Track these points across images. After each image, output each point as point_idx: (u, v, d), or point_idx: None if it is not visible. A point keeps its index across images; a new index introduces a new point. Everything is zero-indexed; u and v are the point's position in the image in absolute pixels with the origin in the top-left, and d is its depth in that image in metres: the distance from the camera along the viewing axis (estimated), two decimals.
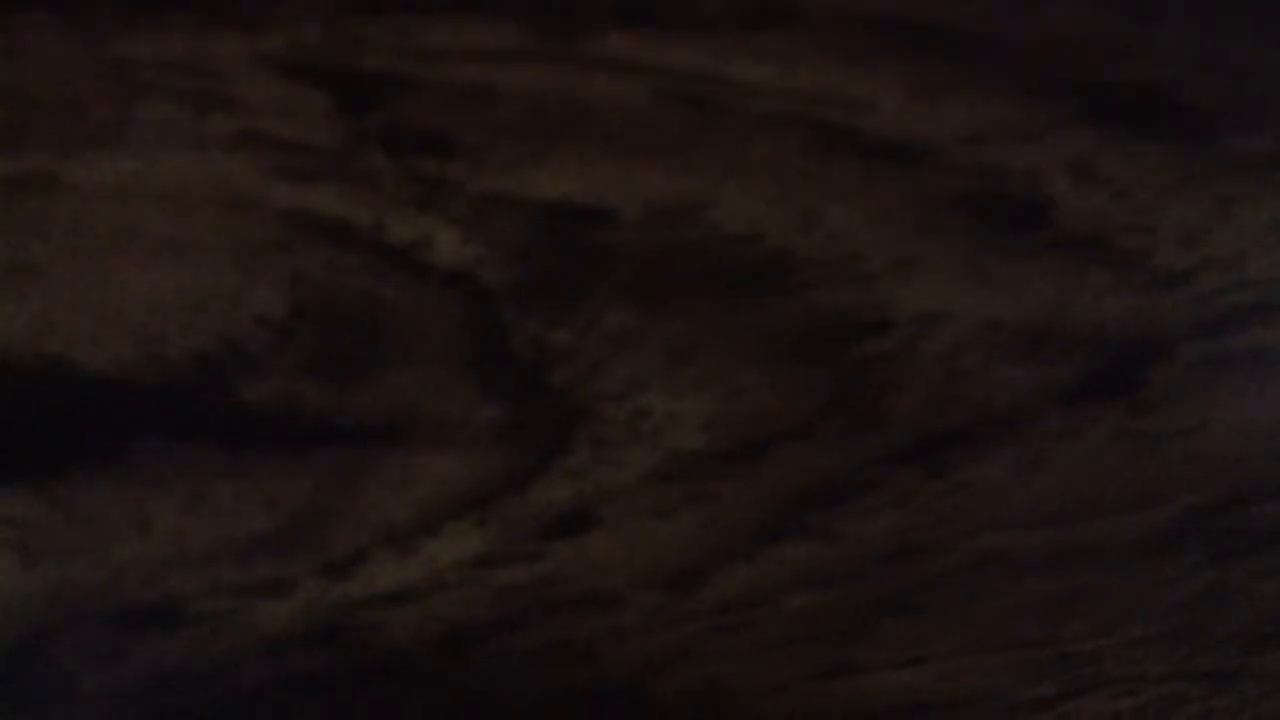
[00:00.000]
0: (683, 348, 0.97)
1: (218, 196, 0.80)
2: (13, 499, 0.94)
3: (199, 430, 0.92)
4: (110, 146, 0.76)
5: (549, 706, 1.28)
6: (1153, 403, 1.14)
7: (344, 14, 0.73)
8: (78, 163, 0.76)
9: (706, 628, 1.23)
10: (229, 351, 0.88)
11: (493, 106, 0.79)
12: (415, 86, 0.77)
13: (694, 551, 1.15)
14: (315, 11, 0.72)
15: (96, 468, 0.94)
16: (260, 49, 0.73)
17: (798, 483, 1.11)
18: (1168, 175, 0.97)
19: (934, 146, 0.89)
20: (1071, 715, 1.52)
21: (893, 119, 0.87)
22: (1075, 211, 0.97)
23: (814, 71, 0.83)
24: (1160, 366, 1.11)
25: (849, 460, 1.10)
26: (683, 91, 0.82)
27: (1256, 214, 1.02)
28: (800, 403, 1.03)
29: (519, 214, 0.85)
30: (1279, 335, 1.10)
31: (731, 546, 1.15)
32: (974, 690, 1.42)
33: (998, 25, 0.85)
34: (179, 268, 0.83)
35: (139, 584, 1.03)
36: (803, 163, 0.88)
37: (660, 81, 0.81)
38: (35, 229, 0.79)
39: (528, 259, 0.88)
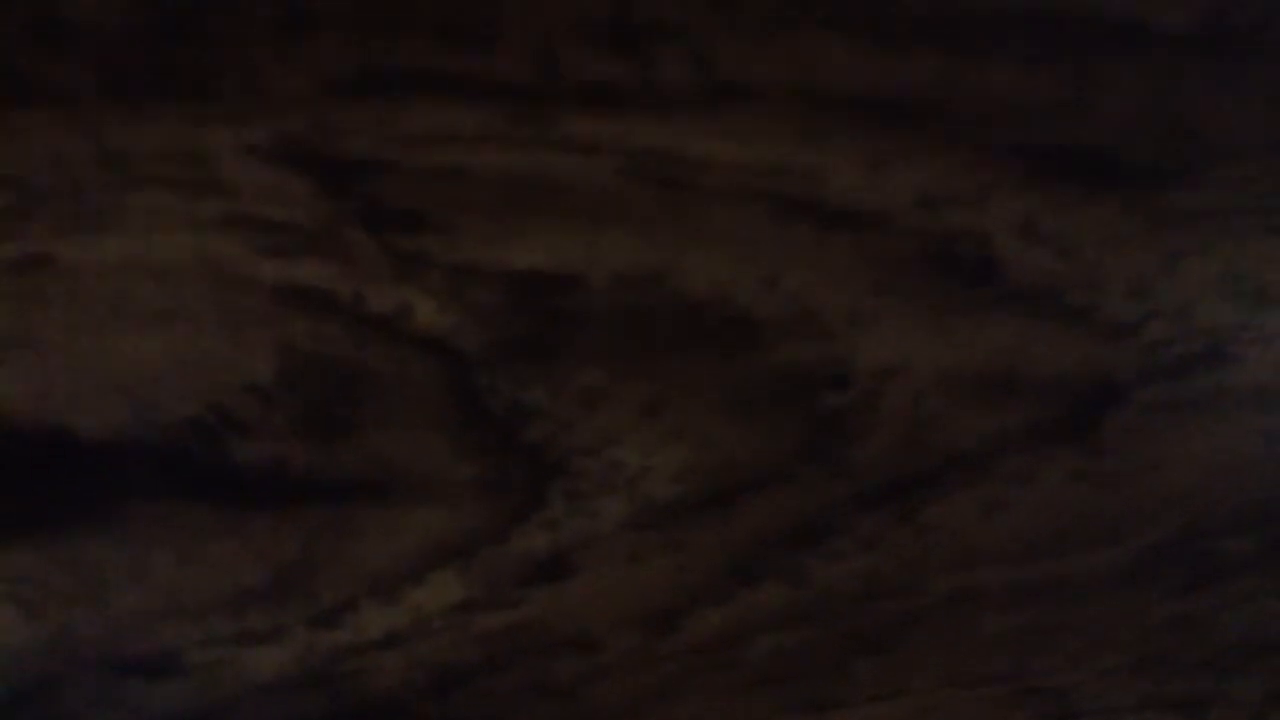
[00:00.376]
0: (653, 403, 1.01)
1: (208, 272, 0.84)
2: (16, 556, 0.98)
3: (193, 490, 0.97)
4: (106, 228, 0.81)
5: None
6: (1108, 445, 1.18)
7: (325, 104, 0.77)
8: (75, 244, 0.81)
9: (683, 668, 1.27)
10: (220, 416, 0.92)
11: (466, 185, 0.84)
12: (392, 168, 0.82)
13: (669, 595, 1.19)
14: (298, 103, 0.77)
15: (96, 525, 0.98)
16: (246, 139, 0.78)
17: (768, 527, 1.15)
18: (1114, 232, 1.01)
19: (886, 212, 0.94)
20: None
21: (846, 187, 0.92)
22: (1025, 269, 1.02)
23: (770, 146, 0.88)
24: (1113, 411, 1.15)
25: (818, 505, 1.14)
26: (645, 168, 0.87)
27: (1202, 267, 1.06)
28: (768, 452, 1.08)
29: (492, 283, 0.90)
30: (1226, 380, 1.15)
31: (705, 590, 1.20)
32: None
33: (943, 95, 0.90)
34: (171, 338, 0.88)
35: (137, 635, 1.07)
36: (762, 231, 0.93)
37: (624, 159, 0.86)
38: (35, 304, 0.84)
39: (501, 325, 0.92)
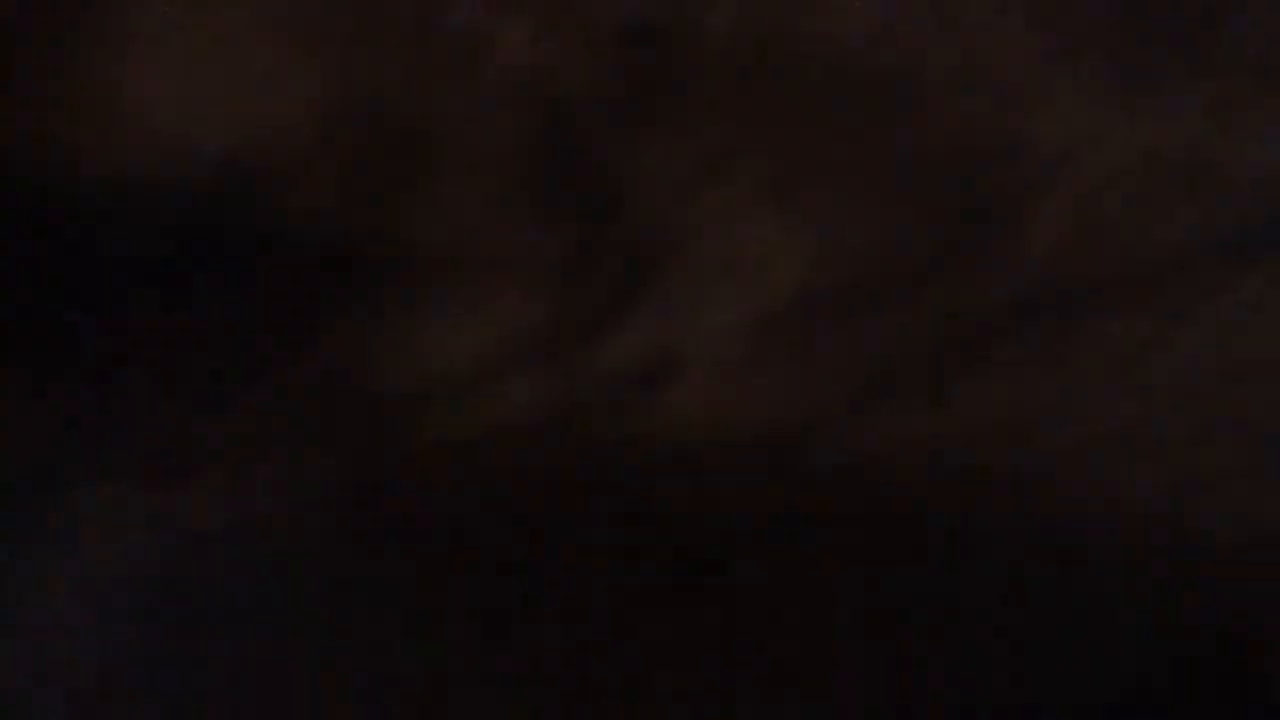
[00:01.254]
0: (782, 179, 0.84)
1: None
2: (26, 325, 0.83)
3: (230, 256, 0.81)
4: None
5: (619, 582, 1.17)
6: None
7: None
8: None
9: (795, 503, 1.11)
10: (259, 158, 0.76)
11: None
12: None
13: (786, 413, 1.03)
14: None
15: (121, 297, 0.83)
16: None
17: (906, 339, 0.98)
18: None
19: None
20: (1176, 623, 1.40)
21: None
22: (1239, 30, 0.84)
23: None
24: None
25: (965, 315, 0.97)
26: None
27: None
28: (915, 243, 0.91)
29: (600, 9, 0.73)
30: None
31: (828, 410, 1.03)
32: (1091, 570, 1.30)
33: None
34: (214, 68, 0.71)
35: (169, 431, 0.93)
36: None
37: None
38: (91, 40, 0.67)
39: (609, 60, 0.75)
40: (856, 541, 1.15)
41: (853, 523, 1.15)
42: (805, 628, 1.24)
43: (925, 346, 0.99)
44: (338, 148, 0.75)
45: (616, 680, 1.20)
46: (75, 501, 0.96)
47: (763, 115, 0.80)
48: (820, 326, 0.95)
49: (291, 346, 0.88)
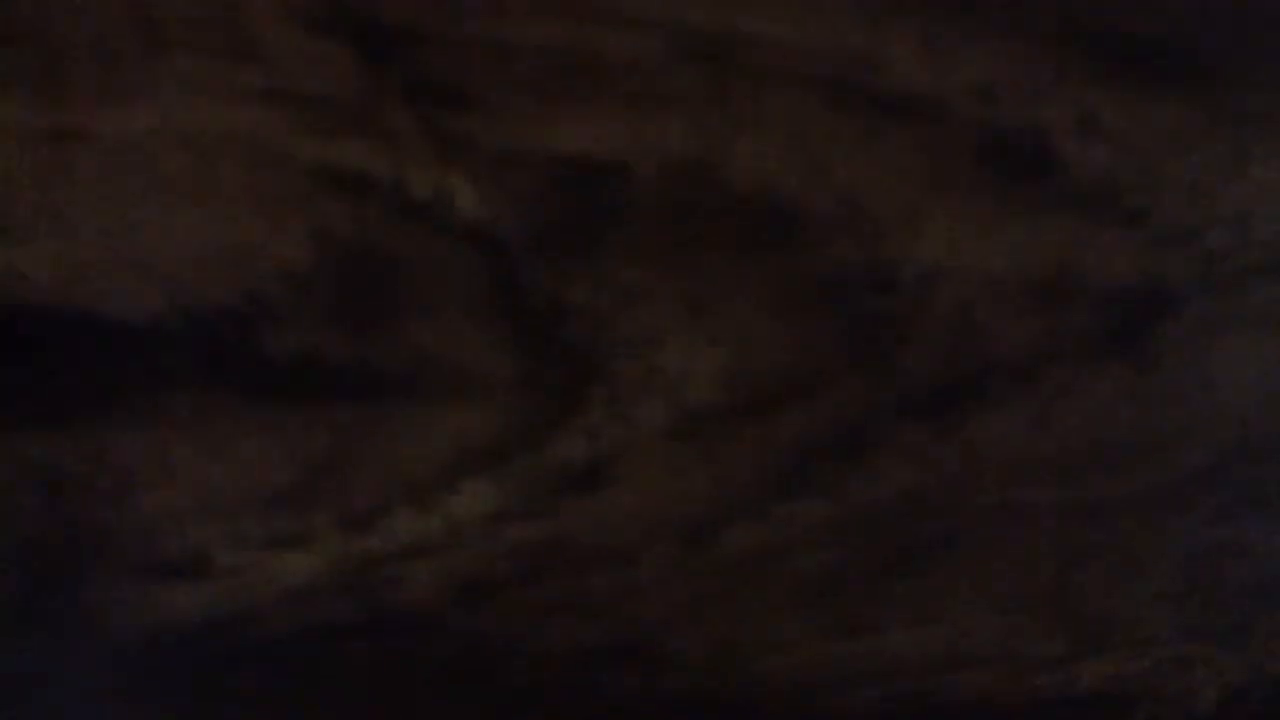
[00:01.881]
0: (696, 303, 0.98)
1: (243, 148, 0.81)
2: (40, 444, 0.96)
3: (224, 381, 0.94)
4: (138, 98, 0.78)
5: (564, 661, 1.29)
6: (1159, 359, 1.15)
7: None
8: (106, 115, 0.78)
9: (719, 585, 1.25)
10: (254, 303, 0.89)
11: (511, 61, 0.81)
12: (437, 40, 0.79)
13: (706, 508, 1.17)
14: None
15: (123, 416, 0.96)
16: (287, 2, 0.75)
17: (809, 439, 1.12)
18: (1177, 130, 0.98)
19: (943, 101, 0.91)
20: (1082, 675, 1.54)
21: (903, 73, 0.89)
22: (1083, 166, 0.98)
23: (826, 26, 0.85)
24: (1167, 323, 1.12)
25: (860, 416, 1.11)
26: (696, 47, 0.84)
27: (1266, 171, 1.03)
28: (812, 357, 1.05)
29: (536, 169, 0.87)
30: None
31: (743, 504, 1.17)
32: (985, 649, 1.44)
33: None
34: (206, 218, 0.85)
35: (163, 533, 1.05)
36: (815, 119, 0.89)
37: (674, 37, 0.83)
38: (64, 178, 0.81)
39: (544, 214, 0.89)
40: (771, 615, 1.29)
41: (766, 599, 1.28)
42: (730, 688, 1.37)
43: (824, 446, 1.13)
44: (318, 294, 0.88)
45: None
46: (84, 601, 1.08)
47: (677, 248, 0.94)
48: (731, 434, 1.09)
49: (275, 457, 1.01)
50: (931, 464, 1.18)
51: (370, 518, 1.08)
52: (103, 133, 0.79)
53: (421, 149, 0.84)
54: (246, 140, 0.81)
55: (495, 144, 0.85)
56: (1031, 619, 1.42)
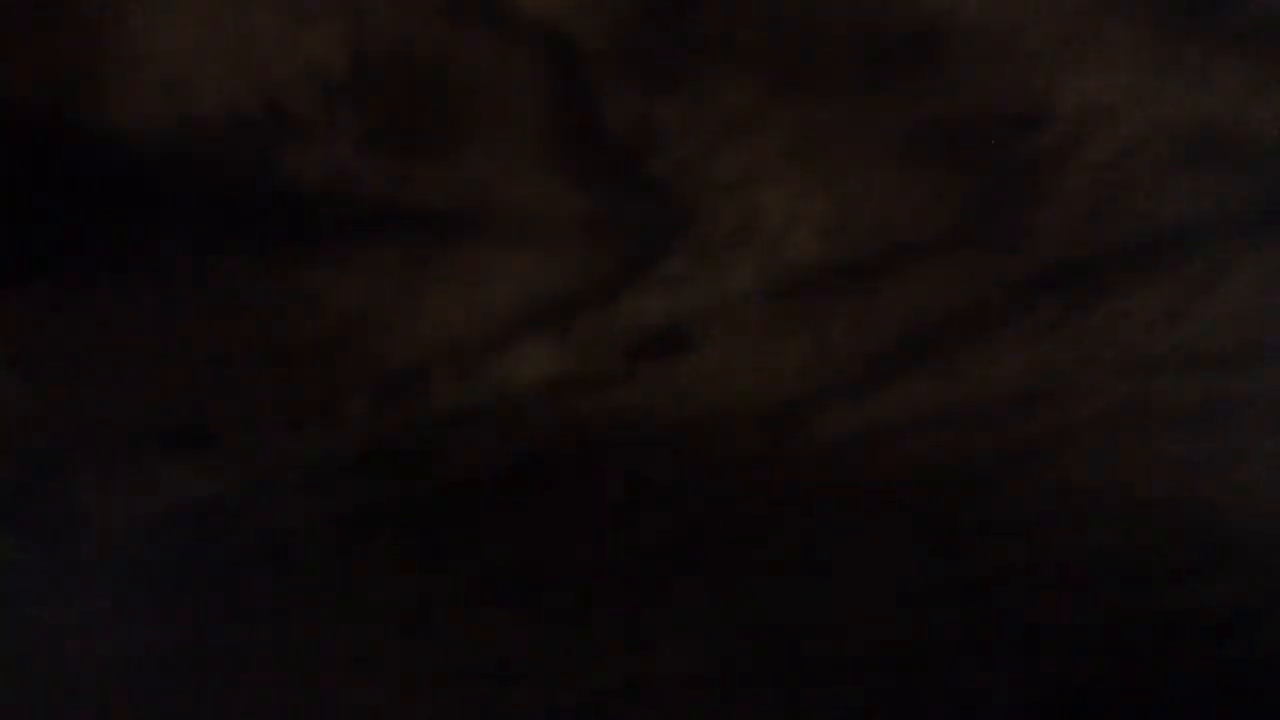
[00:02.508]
0: (807, 138, 0.82)
1: None
2: (14, 304, 0.80)
3: (235, 210, 0.78)
4: None
5: (625, 557, 1.15)
6: None
7: None
8: None
9: (808, 474, 1.09)
10: (274, 114, 0.73)
11: None
12: None
13: (800, 383, 1.01)
14: None
15: (115, 263, 0.80)
16: None
17: (924, 308, 0.96)
18: None
19: None
20: (1206, 591, 1.38)
21: None
22: (1265, 2, 0.82)
23: None
24: None
25: (984, 284, 0.95)
26: None
27: None
28: (935, 211, 0.89)
29: None
30: None
31: (843, 380, 1.01)
32: (1097, 562, 1.28)
33: None
34: (213, 8, 0.68)
35: (165, 406, 0.90)
36: None
37: None
38: None
39: (629, 16, 0.73)
40: (866, 514, 1.13)
41: (862, 495, 1.13)
42: (813, 602, 1.22)
43: (940, 318, 0.97)
44: (353, 104, 0.72)
45: (621, 645, 1.18)
46: (79, 479, 0.93)
47: (784, 76, 0.78)
48: (834, 298, 0.93)
49: (294, 311, 0.86)
50: (1059, 345, 1.02)
51: (406, 382, 0.93)
52: None
53: None
54: None
55: None
56: (1146, 526, 1.26)
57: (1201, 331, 1.05)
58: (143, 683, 1.14)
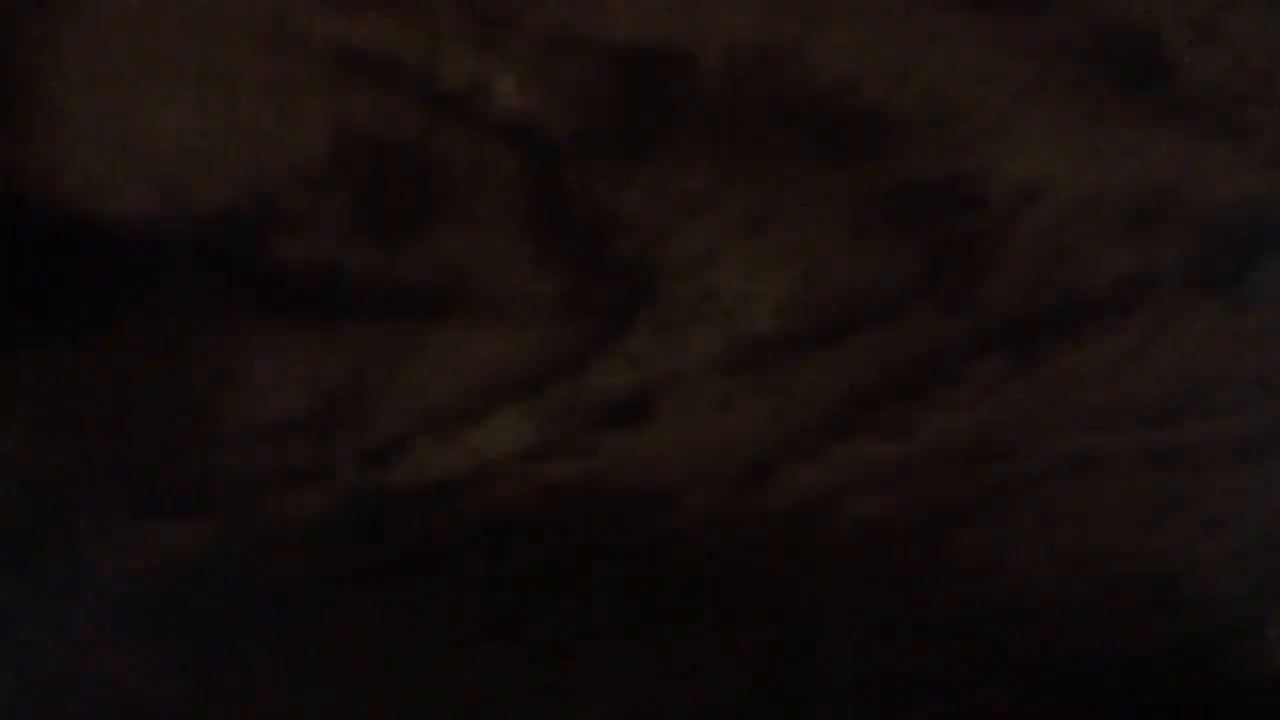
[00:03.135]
0: (760, 216, 0.88)
1: (252, 24, 0.71)
2: (25, 366, 0.86)
3: (229, 295, 0.84)
4: None
5: (598, 612, 1.20)
6: (1260, 295, 1.05)
7: None
8: None
9: (769, 532, 1.14)
10: (262, 205, 0.79)
11: None
12: None
13: (759, 447, 1.06)
14: None
15: (117, 334, 0.85)
16: None
17: (874, 372, 1.02)
18: None
19: None
20: (1146, 633, 1.44)
21: None
22: (1195, 74, 0.88)
23: None
24: (1274, 256, 1.01)
25: (932, 348, 1.01)
26: None
27: None
28: (884, 282, 0.94)
29: (586, 58, 0.76)
30: None
31: (800, 443, 1.07)
32: (1050, 603, 1.34)
33: None
34: (208, 107, 0.74)
35: (162, 465, 0.95)
36: (903, 7, 0.79)
37: None
38: (50, 56, 0.70)
39: (593, 109, 0.79)
40: (828, 563, 1.19)
41: (818, 549, 1.18)
42: (784, 641, 1.27)
43: (891, 380, 1.02)
44: (337, 196, 0.78)
45: (596, 680, 1.23)
46: (81, 534, 0.98)
47: (735, 162, 0.84)
48: (791, 365, 0.98)
49: (284, 387, 0.91)
50: (1005, 403, 1.08)
51: (390, 451, 0.98)
52: (91, 5, 0.68)
53: (456, 29, 0.73)
54: (256, 13, 0.70)
55: (540, 26, 0.74)
56: (1098, 575, 1.32)
57: (1146, 386, 1.11)
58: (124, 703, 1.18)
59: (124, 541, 0.99)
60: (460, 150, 0.78)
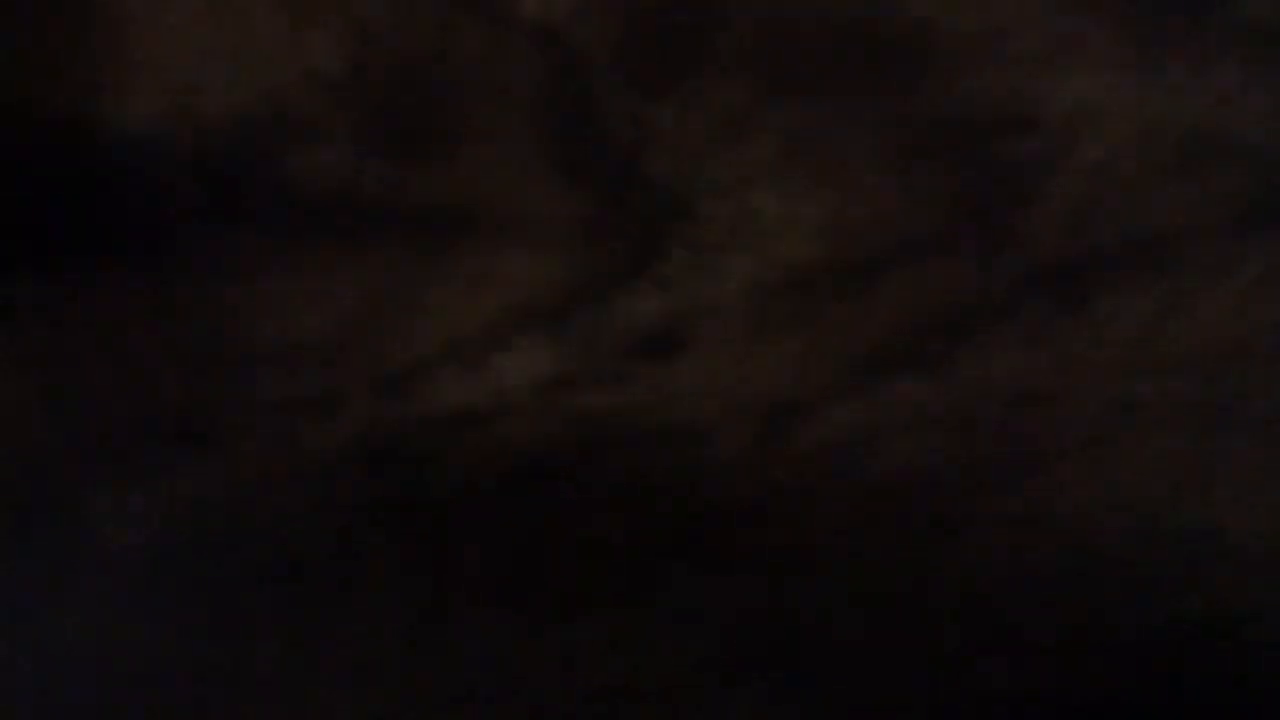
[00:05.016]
0: (801, 138, 0.83)
1: None
2: (13, 288, 0.81)
3: (236, 210, 0.79)
4: None
5: (621, 554, 1.16)
6: None
7: None
8: None
9: (801, 473, 1.10)
10: (274, 112, 0.74)
11: None
12: None
13: (794, 384, 1.02)
14: None
15: (116, 251, 0.81)
16: None
17: (915, 308, 0.97)
18: None
19: None
20: (1188, 596, 1.39)
21: None
22: (1252, 5, 0.83)
23: None
24: None
25: (976, 284, 0.96)
26: None
27: None
28: (926, 213, 0.90)
29: None
30: None
31: (835, 380, 1.02)
32: (1092, 557, 1.29)
33: None
34: (217, 8, 0.70)
35: (168, 406, 0.91)
36: None
37: None
38: None
39: (627, 15, 0.74)
40: (855, 514, 1.14)
41: (851, 496, 1.14)
42: (802, 598, 1.23)
43: (929, 321, 0.98)
44: (354, 106, 0.73)
45: (620, 638, 1.19)
46: (80, 477, 0.94)
47: (779, 78, 0.79)
48: (824, 299, 0.94)
49: (295, 310, 0.87)
50: (1050, 345, 1.03)
51: (407, 380, 0.94)
52: None
53: None
54: None
55: None
56: (1131, 529, 1.27)
57: (1191, 334, 1.06)
58: (144, 694, 1.15)
59: (124, 483, 0.95)
60: (482, 58, 0.74)
